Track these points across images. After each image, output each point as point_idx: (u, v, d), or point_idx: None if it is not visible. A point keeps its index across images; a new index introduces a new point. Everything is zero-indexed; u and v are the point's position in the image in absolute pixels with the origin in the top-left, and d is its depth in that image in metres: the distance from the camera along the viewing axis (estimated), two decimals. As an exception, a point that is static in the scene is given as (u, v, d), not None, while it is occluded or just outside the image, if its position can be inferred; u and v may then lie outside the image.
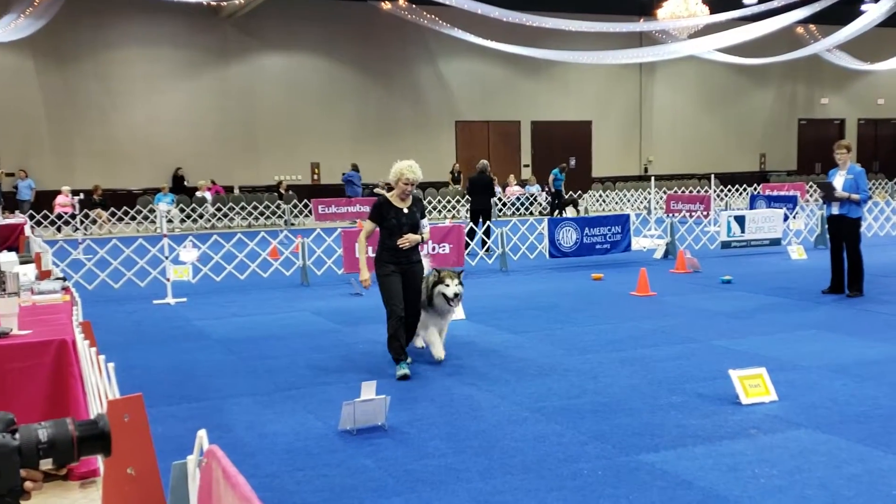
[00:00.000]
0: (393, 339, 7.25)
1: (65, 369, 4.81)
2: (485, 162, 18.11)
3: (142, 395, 3.92)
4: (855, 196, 10.56)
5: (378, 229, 7.45)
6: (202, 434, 2.91)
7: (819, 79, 38.65)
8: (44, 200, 24.77)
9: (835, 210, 10.80)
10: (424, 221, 7.52)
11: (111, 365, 4.27)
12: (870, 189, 10.97)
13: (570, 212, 25.97)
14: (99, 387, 4.43)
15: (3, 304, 5.08)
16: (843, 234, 10.82)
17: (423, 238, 7.46)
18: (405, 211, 7.35)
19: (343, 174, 27.82)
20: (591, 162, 34.29)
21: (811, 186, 28.84)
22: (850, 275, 10.91)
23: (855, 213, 10.71)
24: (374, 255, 7.70)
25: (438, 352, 7.66)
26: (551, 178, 27.02)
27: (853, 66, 35.00)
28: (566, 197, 27.27)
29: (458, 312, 9.90)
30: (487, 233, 16.14)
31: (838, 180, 10.75)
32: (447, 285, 7.46)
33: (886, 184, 36.81)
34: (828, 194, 10.82)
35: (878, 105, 40.36)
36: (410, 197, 7.41)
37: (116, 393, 4.23)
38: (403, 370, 7.13)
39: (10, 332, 4.97)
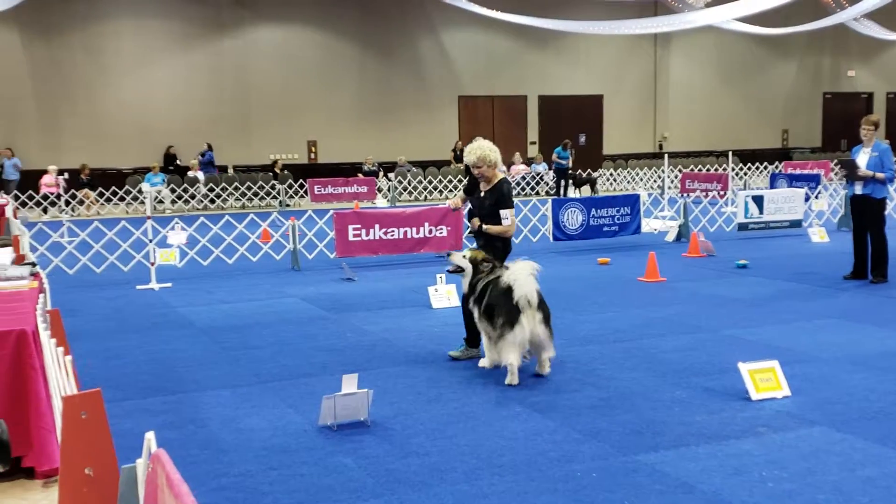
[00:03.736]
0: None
1: (24, 361, 4.71)
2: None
3: (100, 391, 3.80)
4: (880, 175, 10.37)
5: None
6: (150, 437, 2.79)
7: (845, 50, 38.19)
8: (30, 180, 24.69)
9: (857, 190, 10.62)
10: (505, 212, 7.21)
11: (69, 358, 4.16)
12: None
13: (584, 192, 25.77)
14: (58, 381, 4.33)
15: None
16: (866, 215, 10.63)
17: (480, 226, 7.25)
18: (481, 195, 7.36)
19: (201, 154, 27.13)
20: (601, 138, 34.00)
21: (836, 164, 28.49)
22: (874, 259, 10.73)
23: (880, 192, 10.52)
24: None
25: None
26: (554, 155, 26.86)
27: (882, 35, 34.53)
28: (584, 175, 27.04)
29: (453, 298, 9.79)
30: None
31: (862, 158, 10.56)
32: (464, 256, 7.26)
33: (915, 162, 36.44)
34: (850, 173, 10.64)
35: (907, 78, 39.90)
36: (488, 181, 7.31)
37: (74, 388, 4.12)
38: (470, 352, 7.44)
39: (-34, 323, 4.86)
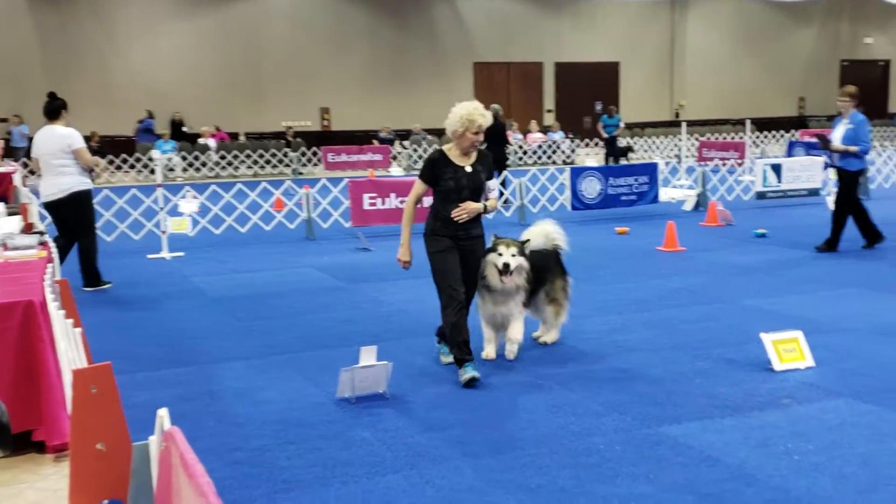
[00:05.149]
0: (455, 331, 5.80)
1: (33, 333, 4.62)
2: (496, 106, 17.66)
3: (111, 365, 3.73)
4: (852, 148, 10.31)
5: (431, 192, 6.06)
6: (163, 413, 2.70)
7: (864, 16, 37.57)
8: (39, 148, 24.62)
9: (836, 161, 10.64)
10: (492, 184, 6.18)
11: (78, 330, 4.07)
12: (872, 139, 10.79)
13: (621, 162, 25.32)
14: (68, 354, 4.25)
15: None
16: (842, 185, 10.65)
17: (485, 207, 6.01)
18: (467, 170, 5.91)
19: (139, 122, 26.73)
20: (618, 106, 33.64)
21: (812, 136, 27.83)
22: (860, 229, 10.82)
23: (853, 165, 10.49)
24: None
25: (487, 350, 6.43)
26: (600, 125, 25.87)
27: (901, 2, 33.98)
28: (624, 145, 26.36)
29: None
30: (504, 183, 15.80)
31: (839, 130, 10.55)
32: (499, 254, 6.03)
33: (934, 131, 35.98)
34: (824, 145, 10.70)
35: (927, 45, 39.25)
36: (475, 152, 6.06)
37: (84, 361, 4.04)
38: (471, 373, 5.74)
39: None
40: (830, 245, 10.72)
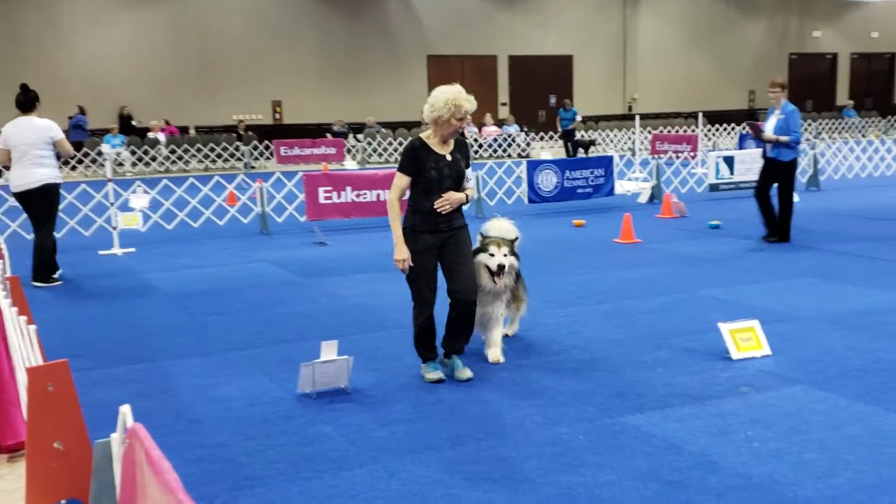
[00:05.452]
0: (420, 336, 5.74)
1: (-16, 332, 4.51)
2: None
3: (67, 362, 3.65)
4: (783, 138, 10.46)
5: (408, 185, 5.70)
6: (125, 410, 2.65)
7: (811, 10, 38.33)
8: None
9: (768, 152, 10.76)
10: (469, 172, 5.85)
11: (32, 328, 3.98)
12: (857, 124, 10.98)
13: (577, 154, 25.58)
14: (22, 351, 4.15)
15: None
16: (776, 177, 10.77)
17: (468, 197, 5.76)
18: (448, 158, 5.62)
19: (70, 117, 26.20)
20: (573, 99, 33.87)
21: (743, 126, 28.30)
22: (780, 219, 10.93)
23: (786, 156, 10.63)
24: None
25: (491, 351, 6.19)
26: (558, 118, 26.20)
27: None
28: (584, 138, 26.62)
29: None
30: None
31: (771, 121, 10.69)
32: (491, 254, 5.90)
33: (879, 122, 36.83)
34: (757, 135, 10.83)
35: (871, 39, 40.15)
36: (453, 140, 5.77)
37: (39, 359, 3.95)
38: (435, 373, 5.71)
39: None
40: (781, 235, 10.89)
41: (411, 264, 5.58)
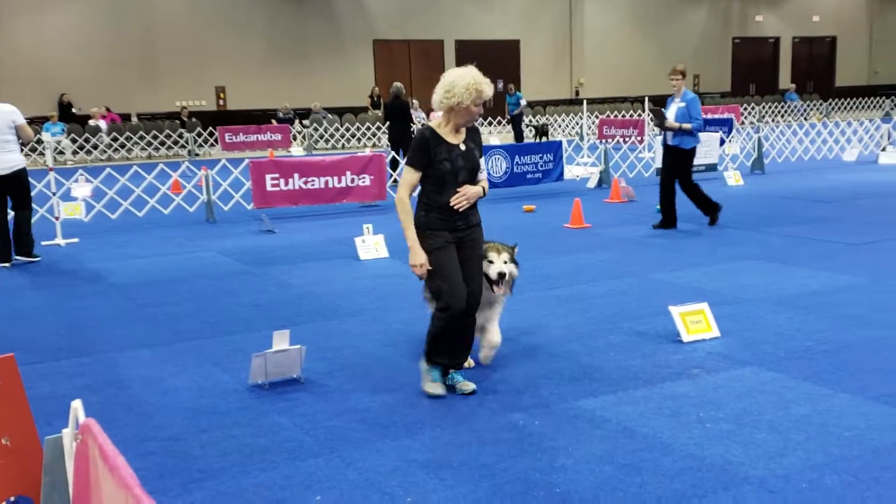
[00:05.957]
0: (442, 335, 5.13)
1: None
2: (398, 84, 17.78)
3: (13, 357, 3.56)
4: (686, 126, 10.56)
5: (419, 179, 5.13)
6: (77, 405, 2.60)
7: (754, -5, 38.94)
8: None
9: (669, 140, 10.83)
10: (482, 162, 5.31)
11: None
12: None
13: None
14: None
15: None
16: (677, 164, 10.84)
17: (484, 190, 5.30)
18: (462, 148, 5.11)
19: None
20: (520, 84, 33.99)
21: (648, 115, 28.76)
22: (698, 206, 11.07)
23: (688, 143, 10.75)
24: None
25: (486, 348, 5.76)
26: (506, 104, 26.09)
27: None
28: (539, 124, 26.65)
29: (381, 249, 9.65)
30: (409, 162, 15.80)
31: (672, 109, 10.75)
32: (490, 261, 5.49)
33: (821, 105, 37.63)
34: (660, 123, 10.87)
35: (813, 22, 40.98)
36: (464, 129, 5.22)
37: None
38: (437, 385, 5.17)
39: None
40: (711, 217, 11.04)
41: (429, 268, 5.07)
